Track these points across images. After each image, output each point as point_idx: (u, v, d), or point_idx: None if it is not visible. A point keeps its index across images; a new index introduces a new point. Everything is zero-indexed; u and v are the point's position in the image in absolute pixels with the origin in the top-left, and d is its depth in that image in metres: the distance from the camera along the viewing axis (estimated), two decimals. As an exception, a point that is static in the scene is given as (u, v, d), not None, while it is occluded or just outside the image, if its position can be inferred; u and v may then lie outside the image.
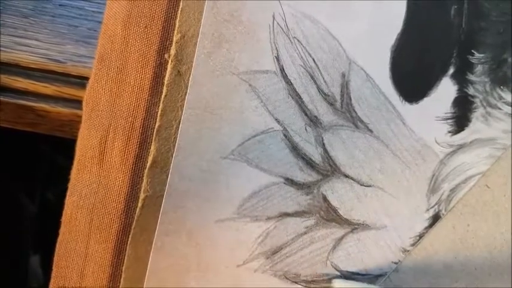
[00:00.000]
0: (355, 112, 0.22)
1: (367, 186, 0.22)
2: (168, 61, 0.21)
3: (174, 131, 0.21)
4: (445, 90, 0.22)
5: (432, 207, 0.23)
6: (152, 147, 0.21)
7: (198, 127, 0.21)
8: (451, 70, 0.22)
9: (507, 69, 0.22)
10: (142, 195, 0.22)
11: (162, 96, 0.21)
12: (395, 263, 0.23)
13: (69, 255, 0.23)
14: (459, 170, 0.23)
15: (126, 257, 0.22)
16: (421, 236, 0.23)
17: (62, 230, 0.23)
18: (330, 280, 0.23)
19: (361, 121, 0.22)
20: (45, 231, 0.25)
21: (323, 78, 0.22)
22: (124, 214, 0.22)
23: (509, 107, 0.22)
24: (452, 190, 0.23)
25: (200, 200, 0.22)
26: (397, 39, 0.21)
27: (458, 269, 0.23)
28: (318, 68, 0.22)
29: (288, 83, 0.22)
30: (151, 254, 0.22)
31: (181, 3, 0.21)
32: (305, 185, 0.22)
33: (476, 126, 0.22)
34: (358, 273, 0.23)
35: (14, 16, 0.26)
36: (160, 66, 0.21)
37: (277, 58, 0.21)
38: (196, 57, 0.21)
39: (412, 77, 0.22)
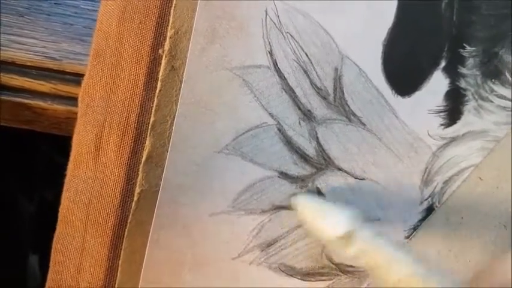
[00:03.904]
0: (348, 106, 0.22)
1: (361, 179, 0.23)
2: (162, 56, 0.21)
3: (168, 126, 0.22)
4: (437, 84, 0.22)
5: (426, 199, 0.23)
6: (147, 142, 0.22)
7: (192, 122, 0.22)
8: (443, 63, 0.22)
9: (498, 62, 0.22)
10: (137, 190, 0.22)
11: (157, 91, 0.21)
12: (390, 255, 0.23)
13: (66, 250, 0.23)
14: (452, 162, 0.23)
15: (122, 251, 0.22)
16: (415, 229, 0.23)
17: (59, 225, 0.23)
18: (326, 274, 0.23)
19: (354, 115, 0.22)
20: (44, 231, 0.26)
21: (316, 73, 0.22)
22: (120, 208, 0.22)
23: (501, 100, 0.22)
24: (446, 182, 0.23)
25: (195, 193, 0.22)
26: (389, 33, 0.22)
27: (453, 261, 0.23)
28: (311, 62, 0.22)
29: (281, 77, 0.22)
30: (147, 247, 0.22)
31: (174, -1, 0.21)
32: (299, 179, 0.22)
33: (469, 119, 0.22)
34: (353, 266, 0.23)
35: (10, 15, 0.27)
36: (155, 61, 0.21)
37: (270, 53, 0.21)
38: (190, 52, 0.21)
39: (404, 70, 0.22)
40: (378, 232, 0.19)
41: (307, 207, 0.21)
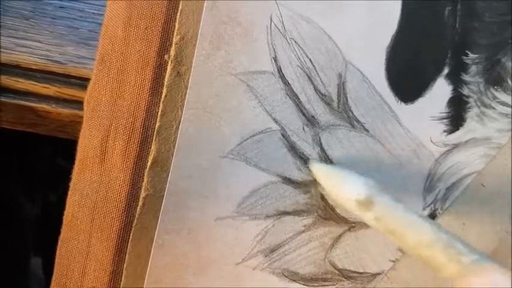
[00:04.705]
0: (352, 112, 0.22)
1: (364, 184, 0.23)
2: (167, 62, 0.21)
3: (174, 131, 0.22)
4: (440, 91, 0.22)
5: (428, 205, 0.23)
6: (153, 147, 0.22)
7: (197, 127, 0.22)
8: (446, 70, 0.22)
9: (501, 69, 0.22)
10: (143, 194, 0.22)
11: (162, 96, 0.22)
12: (393, 261, 0.23)
13: (71, 253, 0.23)
14: (454, 169, 0.23)
15: (127, 255, 0.22)
16: (417, 234, 0.23)
17: (64, 228, 0.23)
18: (329, 279, 0.24)
19: (358, 121, 0.22)
20: (47, 234, 0.26)
21: (320, 79, 0.22)
22: (125, 213, 0.22)
23: (503, 107, 0.22)
24: (448, 189, 0.23)
25: (200, 198, 0.22)
26: (392, 40, 0.22)
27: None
28: (315, 68, 0.22)
29: (286, 83, 0.22)
30: (152, 251, 0.22)
31: (180, 5, 0.21)
32: (303, 184, 0.23)
33: (471, 126, 0.23)
34: (356, 271, 0.23)
35: (15, 18, 0.27)
36: (160, 67, 0.22)
37: (275, 59, 0.22)
38: (196, 58, 0.21)
39: (407, 77, 0.22)
40: (397, 199, 0.19)
41: (325, 172, 0.21)
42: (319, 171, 0.21)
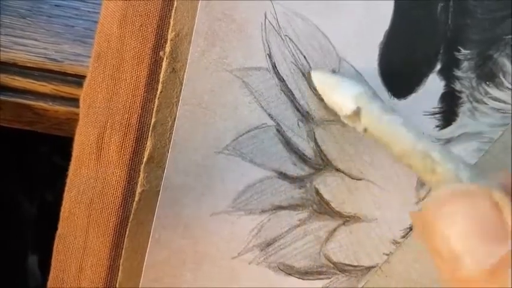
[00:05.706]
0: (346, 107, 0.22)
1: (358, 179, 0.23)
2: (163, 59, 0.22)
3: (169, 127, 0.22)
4: (433, 86, 0.22)
5: (422, 199, 0.23)
6: (148, 143, 0.22)
7: (193, 123, 0.22)
8: (438, 66, 0.22)
9: (492, 65, 0.22)
10: (139, 190, 0.22)
11: (158, 92, 0.22)
12: (387, 254, 0.24)
13: (68, 249, 0.23)
14: (447, 163, 0.23)
15: (123, 250, 0.22)
16: (411, 228, 0.23)
17: (61, 224, 0.23)
18: (324, 272, 0.24)
19: (352, 116, 0.23)
20: (43, 232, 0.26)
21: (314, 75, 0.22)
22: (121, 208, 0.22)
23: (495, 102, 0.23)
24: (441, 183, 0.23)
25: (196, 193, 0.22)
26: (385, 36, 0.22)
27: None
28: (309, 65, 0.22)
29: (280, 79, 0.22)
30: (148, 246, 0.23)
31: (175, 3, 0.21)
32: (298, 179, 0.23)
33: (464, 121, 0.23)
34: (350, 265, 0.24)
35: (12, 16, 0.27)
36: (156, 63, 0.22)
37: (270, 55, 0.22)
38: (191, 55, 0.21)
39: (400, 73, 0.22)
40: (385, 108, 0.19)
41: (322, 81, 0.21)
42: (318, 79, 0.22)
